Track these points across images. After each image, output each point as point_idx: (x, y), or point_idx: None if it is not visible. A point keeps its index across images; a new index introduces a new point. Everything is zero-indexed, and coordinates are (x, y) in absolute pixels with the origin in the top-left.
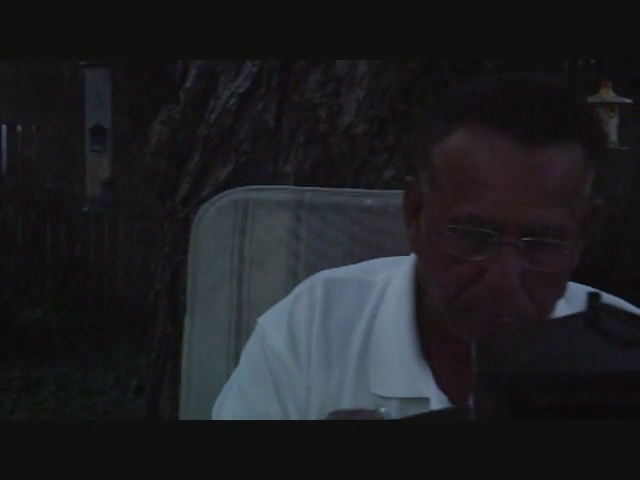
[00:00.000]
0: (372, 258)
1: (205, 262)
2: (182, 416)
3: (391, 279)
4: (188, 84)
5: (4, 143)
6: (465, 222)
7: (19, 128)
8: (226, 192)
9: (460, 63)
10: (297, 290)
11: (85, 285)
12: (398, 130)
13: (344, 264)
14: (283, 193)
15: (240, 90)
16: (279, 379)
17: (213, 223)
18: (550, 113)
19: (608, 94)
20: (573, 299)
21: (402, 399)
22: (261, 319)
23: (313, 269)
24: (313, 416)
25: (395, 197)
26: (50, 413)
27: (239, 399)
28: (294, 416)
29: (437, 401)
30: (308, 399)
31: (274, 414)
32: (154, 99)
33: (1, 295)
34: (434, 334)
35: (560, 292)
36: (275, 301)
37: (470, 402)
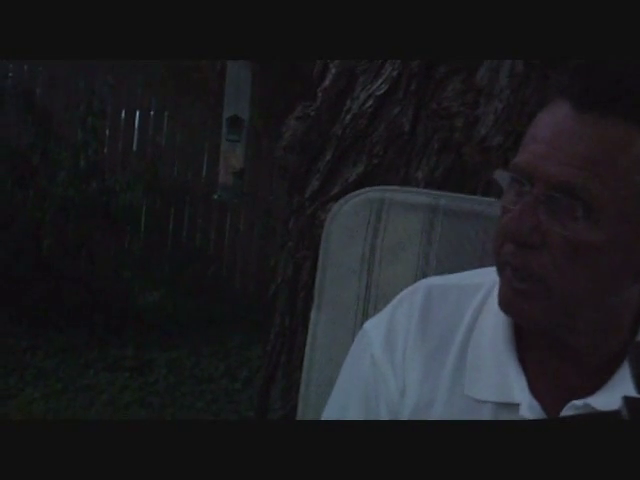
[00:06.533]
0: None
1: (335, 255)
2: (300, 408)
3: (497, 282)
4: (326, 83)
5: (136, 127)
6: (511, 170)
7: (152, 113)
8: (362, 190)
9: None
10: (400, 295)
11: (203, 273)
12: None
13: (474, 270)
14: (419, 196)
15: (378, 92)
16: (371, 387)
17: (347, 218)
18: (609, 86)
19: None
20: None
21: (495, 403)
22: (366, 324)
23: (442, 272)
24: (405, 418)
25: None
26: (160, 396)
27: (330, 400)
28: (385, 418)
29: (528, 408)
30: (401, 401)
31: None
32: (288, 94)
33: (121, 276)
34: (532, 341)
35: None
36: None
37: (621, 405)
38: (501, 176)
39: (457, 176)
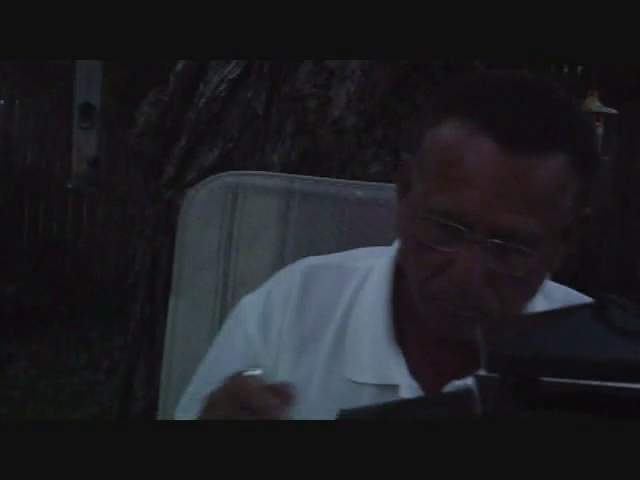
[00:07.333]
0: (359, 248)
1: (192, 243)
2: (162, 398)
3: (374, 266)
4: (178, 67)
5: None
6: (439, 214)
7: (2, 102)
8: (218, 175)
9: (451, 62)
10: (278, 274)
11: (60, 264)
12: (386, 126)
13: (331, 253)
14: (274, 180)
15: (231, 76)
16: (243, 363)
17: (203, 204)
18: (537, 120)
19: (594, 103)
20: (551, 297)
21: (375, 385)
22: (243, 299)
23: (300, 255)
24: None
25: (385, 190)
26: (20, 390)
27: (199, 373)
28: None
29: (407, 389)
30: (274, 381)
31: None
32: (142, 80)
33: None
34: (410, 320)
35: (529, 293)
36: (261, 284)
37: (472, 385)
38: (422, 215)
39: (312, 159)
